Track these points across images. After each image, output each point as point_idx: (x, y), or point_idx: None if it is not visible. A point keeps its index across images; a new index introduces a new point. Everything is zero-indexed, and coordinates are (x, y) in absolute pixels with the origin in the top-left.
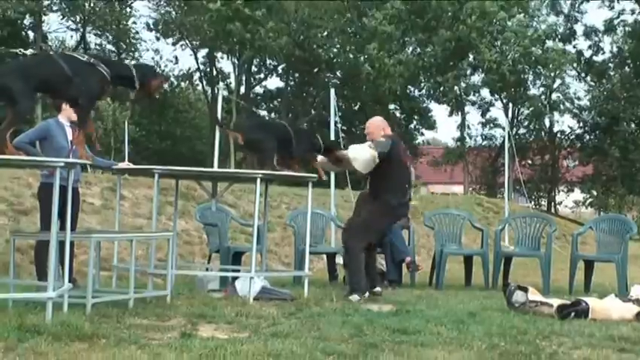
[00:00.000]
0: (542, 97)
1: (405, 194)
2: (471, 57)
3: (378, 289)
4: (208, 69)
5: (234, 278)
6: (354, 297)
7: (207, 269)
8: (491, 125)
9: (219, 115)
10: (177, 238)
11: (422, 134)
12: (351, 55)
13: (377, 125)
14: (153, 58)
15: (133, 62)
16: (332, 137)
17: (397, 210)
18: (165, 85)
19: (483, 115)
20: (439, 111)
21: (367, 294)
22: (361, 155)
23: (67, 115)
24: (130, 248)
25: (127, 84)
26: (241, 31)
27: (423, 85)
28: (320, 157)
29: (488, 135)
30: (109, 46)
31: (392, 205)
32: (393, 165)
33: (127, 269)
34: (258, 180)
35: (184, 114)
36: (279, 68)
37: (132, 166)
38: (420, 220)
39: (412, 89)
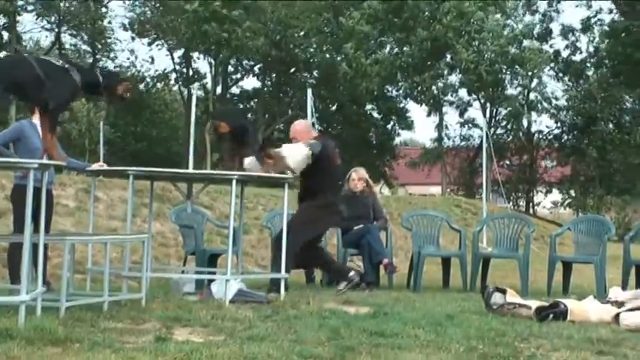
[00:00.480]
0: (520, 96)
1: (339, 192)
2: (449, 57)
3: (341, 285)
4: (184, 69)
5: (210, 281)
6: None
7: (182, 272)
8: (470, 125)
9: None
10: (152, 241)
11: (399, 135)
12: (328, 55)
13: (302, 129)
14: (128, 59)
15: (102, 68)
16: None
17: (334, 207)
18: (130, 93)
19: (461, 115)
20: (417, 111)
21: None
22: (295, 153)
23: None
24: (104, 251)
25: (93, 91)
26: (218, 31)
27: (400, 84)
28: (248, 160)
29: (466, 135)
30: (84, 47)
31: (330, 201)
32: (326, 163)
33: (101, 272)
34: (234, 181)
35: (160, 115)
36: (256, 68)
37: (106, 167)
38: (397, 221)
39: (390, 89)
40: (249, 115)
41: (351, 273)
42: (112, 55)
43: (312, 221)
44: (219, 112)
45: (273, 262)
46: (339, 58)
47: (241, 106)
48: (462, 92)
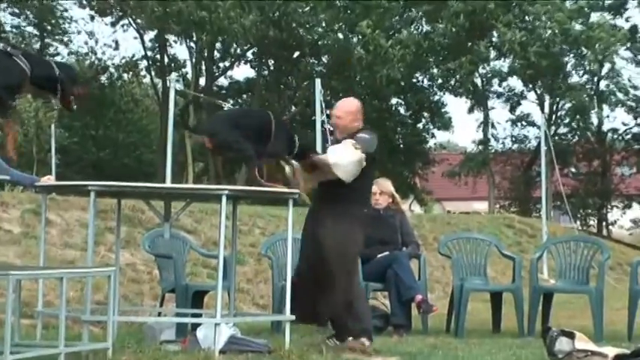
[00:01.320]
0: (588, 86)
1: (368, 201)
2: (495, 35)
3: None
4: (158, 56)
5: (195, 325)
6: (365, 341)
7: (159, 314)
8: (523, 123)
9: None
10: (120, 275)
11: (434, 136)
12: (341, 36)
13: (351, 110)
14: (86, 43)
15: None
16: (318, 141)
17: (365, 225)
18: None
19: (512, 110)
20: (456, 106)
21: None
22: (345, 159)
23: None
24: (59, 288)
25: (47, 85)
26: (194, 8)
27: (432, 72)
28: (295, 164)
29: (519, 136)
30: (30, 28)
31: (359, 217)
32: (369, 168)
33: (55, 315)
34: (224, 198)
35: (128, 114)
36: (249, 54)
37: (57, 182)
38: (432, 247)
39: (420, 78)
40: (265, 115)
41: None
42: (65, 38)
43: (355, 243)
44: (204, 125)
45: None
46: (354, 40)
47: (230, 106)
48: (514, 81)
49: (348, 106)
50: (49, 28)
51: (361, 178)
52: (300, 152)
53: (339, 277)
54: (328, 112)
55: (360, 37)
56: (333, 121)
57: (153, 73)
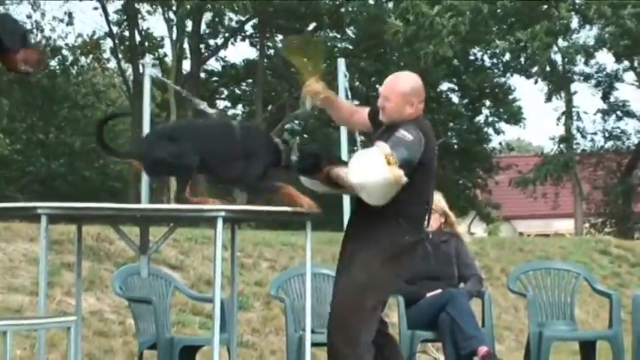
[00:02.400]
0: None
1: (422, 224)
2: None
3: None
4: (127, 32)
5: None
6: None
7: None
8: (619, 114)
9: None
10: (83, 327)
11: (499, 132)
12: (371, 1)
13: (403, 90)
14: (29, 17)
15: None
16: (343, 140)
17: (408, 255)
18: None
19: (605, 97)
20: (528, 92)
21: None
22: (374, 178)
23: None
24: (2, 346)
25: None
26: None
27: (495, 47)
28: (306, 180)
29: (613, 131)
30: None
31: (402, 245)
32: (419, 175)
33: None
34: (220, 221)
35: (87, 111)
36: (248, 27)
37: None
38: (500, 281)
39: (478, 56)
40: (225, 126)
41: None
42: (0, 9)
43: (383, 286)
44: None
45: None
46: (389, 5)
47: (206, 105)
48: (603, 56)
49: (402, 85)
50: None
51: (409, 188)
52: (311, 165)
53: (342, 352)
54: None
55: (395, 3)
56: (381, 104)
57: (120, 56)
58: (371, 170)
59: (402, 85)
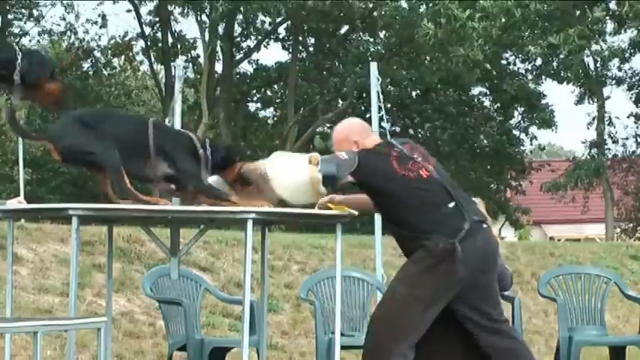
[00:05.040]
0: None
1: (450, 225)
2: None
3: None
4: (159, 34)
5: None
6: None
7: None
8: None
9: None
10: (113, 328)
11: (531, 137)
12: (404, 4)
13: (339, 139)
14: (63, 19)
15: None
16: None
17: (453, 260)
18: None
19: (638, 101)
20: (560, 96)
21: None
22: (288, 173)
23: None
24: (33, 346)
25: (3, 72)
26: None
27: (528, 51)
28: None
29: None
30: None
31: (442, 249)
32: (392, 184)
33: None
34: (250, 223)
35: (119, 111)
36: (281, 29)
37: (28, 205)
38: (531, 285)
39: (511, 60)
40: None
41: None
42: (35, 12)
43: (419, 302)
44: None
45: None
46: (420, 9)
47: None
48: (638, 61)
49: (337, 136)
50: (12, 1)
51: (398, 208)
52: (222, 160)
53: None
54: (388, 106)
55: (430, 5)
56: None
57: (153, 58)
58: (290, 163)
59: (338, 136)
